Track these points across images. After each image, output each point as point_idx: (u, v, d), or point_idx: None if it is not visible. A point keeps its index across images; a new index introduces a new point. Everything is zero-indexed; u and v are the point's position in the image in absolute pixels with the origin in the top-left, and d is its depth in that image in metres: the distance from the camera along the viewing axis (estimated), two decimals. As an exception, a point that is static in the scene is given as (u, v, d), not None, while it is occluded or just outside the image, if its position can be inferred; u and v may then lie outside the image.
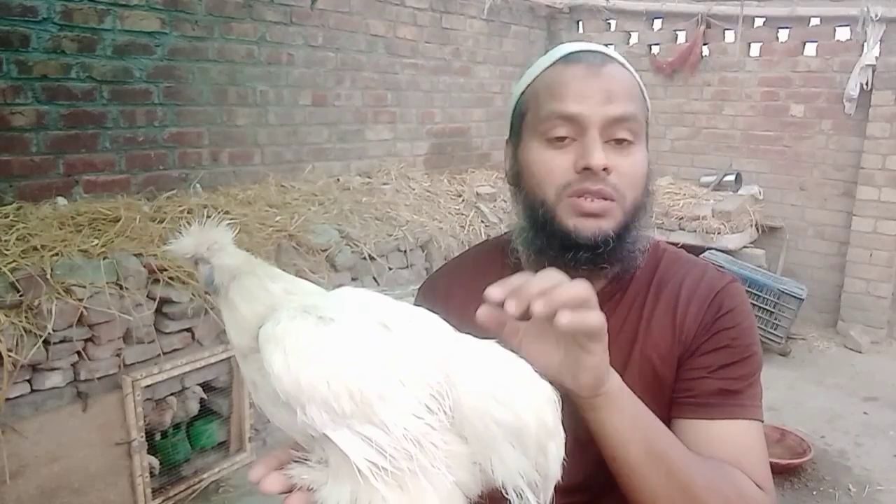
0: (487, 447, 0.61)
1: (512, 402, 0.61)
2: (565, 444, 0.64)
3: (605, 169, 0.87)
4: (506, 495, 0.61)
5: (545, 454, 0.62)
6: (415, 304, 1.07)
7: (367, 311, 0.65)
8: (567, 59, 0.92)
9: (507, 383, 0.62)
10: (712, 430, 0.89)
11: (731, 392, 0.90)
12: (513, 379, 0.63)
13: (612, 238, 0.89)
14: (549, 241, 0.91)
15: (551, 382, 0.67)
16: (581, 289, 0.69)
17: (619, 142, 0.90)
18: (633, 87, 0.94)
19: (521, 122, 0.96)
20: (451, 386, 0.61)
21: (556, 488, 0.64)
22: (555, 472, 0.63)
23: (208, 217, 0.74)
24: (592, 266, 0.91)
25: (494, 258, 1.05)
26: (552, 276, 0.70)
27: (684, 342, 0.94)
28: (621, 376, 0.80)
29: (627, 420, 0.79)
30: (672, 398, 0.94)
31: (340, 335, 0.63)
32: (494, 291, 0.69)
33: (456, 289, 1.04)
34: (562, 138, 0.89)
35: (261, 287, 0.70)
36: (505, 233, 1.06)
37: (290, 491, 0.64)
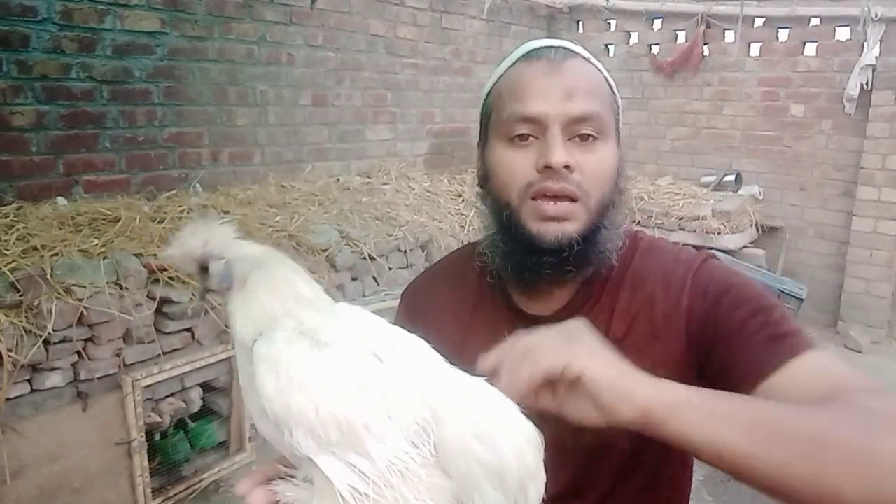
0: (469, 485, 0.62)
1: (495, 443, 0.62)
2: (545, 484, 0.64)
3: (567, 166, 0.84)
4: None
5: (525, 495, 0.62)
6: (398, 311, 1.08)
7: (363, 338, 0.66)
8: (528, 56, 0.89)
9: (492, 423, 0.63)
10: (778, 382, 0.77)
11: (772, 338, 0.80)
12: (497, 419, 0.64)
13: (577, 241, 0.86)
14: (513, 245, 0.89)
15: (612, 433, 0.68)
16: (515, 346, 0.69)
17: (584, 138, 0.86)
18: (597, 82, 0.90)
19: (487, 123, 0.94)
20: (437, 422, 0.62)
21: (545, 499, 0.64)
22: None
23: (203, 216, 0.73)
24: (558, 270, 0.88)
25: (469, 265, 1.02)
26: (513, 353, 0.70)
27: (685, 333, 0.87)
28: None
29: (702, 415, 0.66)
30: (729, 384, 0.78)
31: (333, 362, 0.63)
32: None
33: (434, 297, 1.04)
34: (524, 136, 0.87)
35: (288, 282, 0.69)
36: (479, 239, 1.03)
37: None
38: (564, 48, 0.89)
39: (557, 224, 0.86)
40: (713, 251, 0.96)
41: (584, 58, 0.90)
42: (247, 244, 0.72)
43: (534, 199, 0.86)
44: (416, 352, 0.68)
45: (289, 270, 0.71)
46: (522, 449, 0.62)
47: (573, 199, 0.86)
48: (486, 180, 0.94)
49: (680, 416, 0.65)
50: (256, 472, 0.68)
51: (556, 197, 0.85)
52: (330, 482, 0.60)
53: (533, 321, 0.94)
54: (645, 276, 0.93)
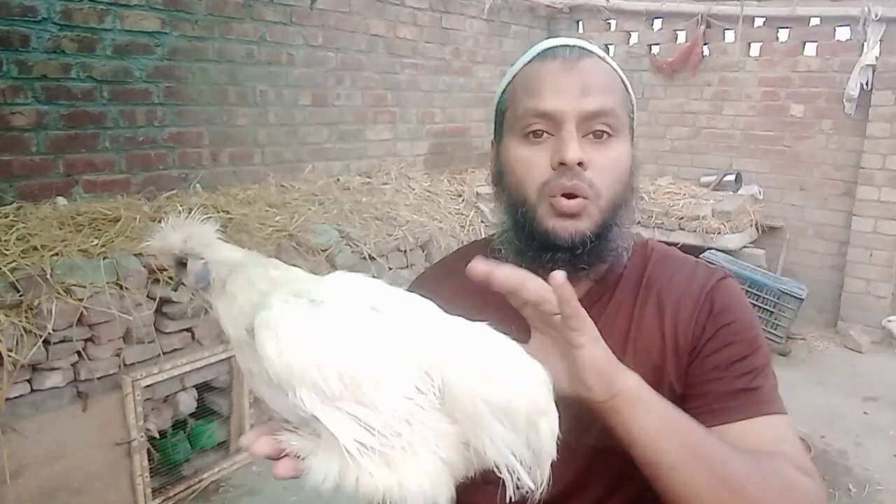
0: (476, 425, 0.61)
1: (500, 380, 0.61)
2: (559, 422, 0.64)
3: (580, 163, 0.85)
4: (499, 474, 0.61)
5: (536, 431, 0.62)
6: None
7: (358, 294, 0.66)
8: (543, 54, 0.91)
9: (497, 362, 0.63)
10: (735, 433, 0.83)
11: (746, 390, 0.87)
12: (502, 358, 0.64)
13: (590, 238, 0.87)
14: (527, 241, 0.90)
15: (570, 400, 0.71)
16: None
17: (598, 135, 0.87)
18: (612, 80, 0.91)
19: (501, 121, 0.95)
20: (441, 366, 0.62)
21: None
22: (549, 449, 0.63)
23: (189, 212, 0.74)
24: (572, 267, 0.88)
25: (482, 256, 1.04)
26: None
27: (681, 347, 0.90)
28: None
29: (653, 418, 0.75)
30: (686, 409, 0.88)
31: (331, 318, 0.63)
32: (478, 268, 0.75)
33: (444, 285, 1.02)
34: (538, 133, 0.88)
35: (263, 276, 0.70)
36: (493, 233, 1.04)
37: (278, 457, 0.65)
38: (580, 47, 0.90)
39: (571, 221, 0.87)
40: (728, 272, 1.01)
41: (599, 56, 0.91)
42: (227, 247, 0.72)
43: (551, 196, 0.87)
44: (414, 304, 0.68)
45: (264, 268, 0.71)
46: (530, 385, 0.62)
47: (585, 197, 0.87)
48: (500, 177, 0.95)
49: (635, 408, 0.75)
50: (262, 426, 0.69)
51: (571, 194, 0.86)
52: (336, 438, 0.60)
53: None
54: (660, 284, 0.95)
